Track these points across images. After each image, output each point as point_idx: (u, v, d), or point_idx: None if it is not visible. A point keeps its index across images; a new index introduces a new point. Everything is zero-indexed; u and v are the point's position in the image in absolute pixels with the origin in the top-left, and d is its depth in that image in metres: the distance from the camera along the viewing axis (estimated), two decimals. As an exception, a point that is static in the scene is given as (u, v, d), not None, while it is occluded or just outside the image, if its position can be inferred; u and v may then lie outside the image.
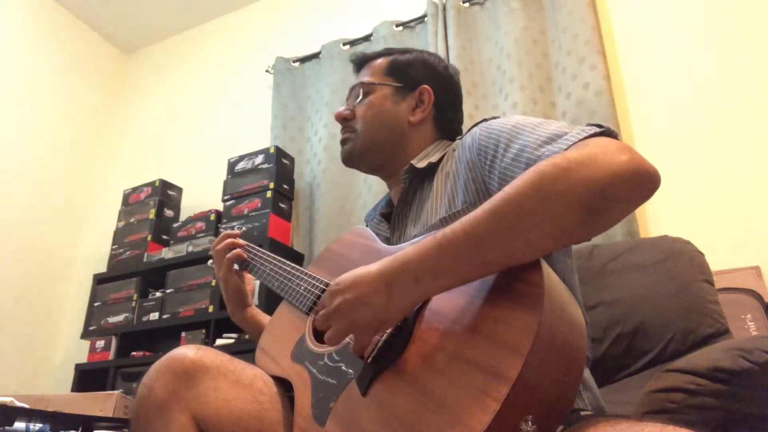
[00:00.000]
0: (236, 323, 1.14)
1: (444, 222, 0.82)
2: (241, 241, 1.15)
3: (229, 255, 1.10)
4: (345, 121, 1.04)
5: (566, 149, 0.63)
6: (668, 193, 1.77)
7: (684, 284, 1.21)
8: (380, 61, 1.05)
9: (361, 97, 1.03)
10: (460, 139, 0.92)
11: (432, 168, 0.93)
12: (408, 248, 0.64)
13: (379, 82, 1.02)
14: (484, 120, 0.85)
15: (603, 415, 0.61)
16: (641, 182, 0.57)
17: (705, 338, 1.15)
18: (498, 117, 0.84)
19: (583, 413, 0.68)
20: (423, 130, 1.01)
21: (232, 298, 1.11)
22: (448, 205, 0.84)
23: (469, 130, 0.87)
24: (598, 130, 0.65)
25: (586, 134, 0.64)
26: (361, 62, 1.08)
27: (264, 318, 1.13)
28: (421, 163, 0.93)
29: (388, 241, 0.94)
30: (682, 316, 1.17)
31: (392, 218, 0.96)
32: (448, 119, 1.04)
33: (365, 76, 1.04)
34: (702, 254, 1.27)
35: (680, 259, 1.25)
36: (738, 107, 1.79)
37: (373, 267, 0.66)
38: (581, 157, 0.57)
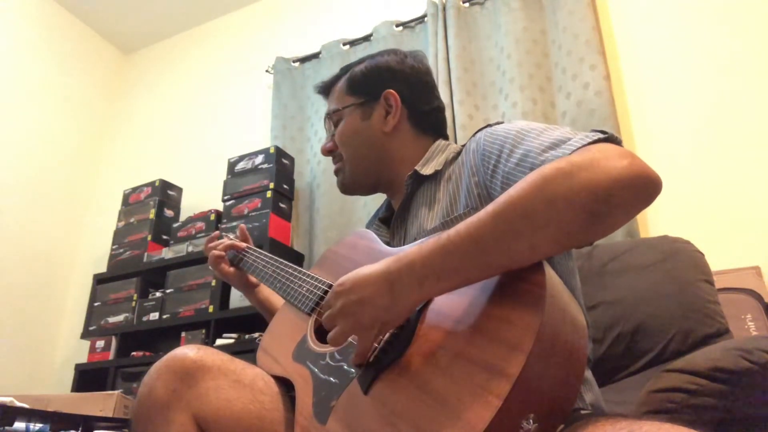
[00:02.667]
0: (254, 306, 1.21)
1: (445, 225, 0.82)
2: (234, 242, 1.19)
3: (210, 259, 1.18)
4: (330, 153, 1.04)
5: (570, 154, 0.63)
6: (668, 193, 1.75)
7: (684, 284, 1.21)
8: (340, 83, 1.04)
9: (334, 127, 1.03)
10: (464, 145, 0.92)
11: (435, 173, 0.93)
12: (411, 249, 0.64)
13: (343, 106, 1.01)
14: (489, 125, 0.85)
15: (603, 414, 0.62)
16: (642, 187, 0.57)
17: (705, 338, 1.15)
18: (503, 122, 0.84)
19: (583, 412, 0.68)
20: (401, 134, 0.99)
21: (238, 286, 1.20)
22: (448, 208, 0.84)
23: (474, 134, 0.87)
24: (601, 135, 0.66)
25: (589, 140, 0.65)
26: (326, 90, 1.08)
27: (278, 299, 1.16)
28: (426, 170, 0.93)
29: (388, 245, 0.94)
30: (682, 316, 1.17)
31: (392, 222, 0.96)
32: (423, 113, 1.01)
33: (331, 104, 1.04)
34: (702, 254, 1.27)
35: (680, 259, 1.25)
36: (738, 107, 1.79)
37: (377, 267, 0.66)
38: (583, 162, 0.58)
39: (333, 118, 1.03)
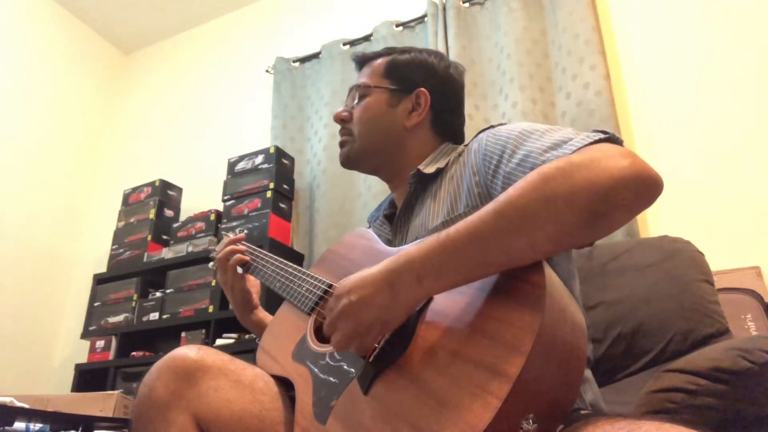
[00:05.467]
0: (247, 328, 1.14)
1: (446, 224, 0.82)
2: (240, 246, 1.13)
3: (231, 261, 1.09)
4: (342, 122, 1.03)
5: (570, 154, 0.63)
6: (668, 193, 1.75)
7: (684, 284, 1.21)
8: (379, 61, 1.04)
9: (357, 99, 1.02)
10: (466, 145, 0.92)
11: (438, 172, 0.93)
12: (410, 248, 0.64)
13: (375, 85, 1.01)
14: (492, 126, 0.85)
15: (602, 414, 0.62)
16: (643, 187, 0.57)
17: (705, 338, 1.14)
18: (505, 123, 0.84)
19: (582, 412, 0.68)
20: (420, 134, 1.00)
21: (239, 304, 1.10)
22: (450, 208, 0.84)
23: (476, 135, 0.87)
24: (602, 136, 0.65)
25: (590, 140, 0.65)
26: (362, 62, 1.07)
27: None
28: (428, 169, 0.93)
29: (389, 243, 0.94)
30: (682, 316, 1.17)
31: (395, 221, 0.96)
32: (446, 121, 1.02)
33: (363, 77, 1.03)
34: (702, 254, 1.27)
35: (680, 259, 1.25)
36: (738, 107, 1.79)
37: (376, 268, 0.66)
38: (584, 161, 0.58)
39: (360, 90, 1.02)
